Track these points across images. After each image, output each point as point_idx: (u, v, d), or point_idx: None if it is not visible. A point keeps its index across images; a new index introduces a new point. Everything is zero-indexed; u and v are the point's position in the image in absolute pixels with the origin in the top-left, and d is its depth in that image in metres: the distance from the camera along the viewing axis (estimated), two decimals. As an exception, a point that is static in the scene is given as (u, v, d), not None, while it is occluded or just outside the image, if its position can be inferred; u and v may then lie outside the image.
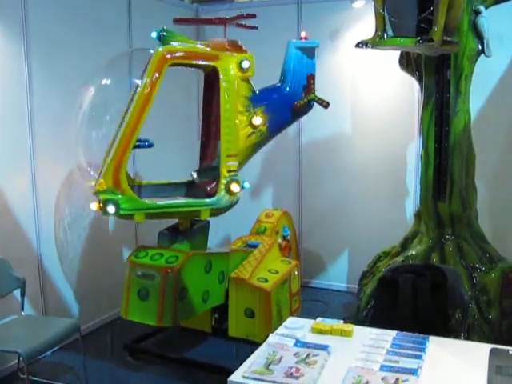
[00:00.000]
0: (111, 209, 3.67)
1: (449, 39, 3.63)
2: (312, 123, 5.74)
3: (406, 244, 4.57)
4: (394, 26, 3.84)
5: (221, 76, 3.93)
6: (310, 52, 4.41)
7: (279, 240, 5.23)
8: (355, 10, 5.38)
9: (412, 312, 3.30)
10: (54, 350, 3.89)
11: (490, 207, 4.87)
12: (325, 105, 4.35)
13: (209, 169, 4.32)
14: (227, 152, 3.95)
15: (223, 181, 3.95)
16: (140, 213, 3.78)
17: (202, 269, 4.07)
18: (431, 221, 4.32)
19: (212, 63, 3.95)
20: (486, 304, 3.92)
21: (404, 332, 2.59)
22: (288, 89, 4.30)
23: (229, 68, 3.95)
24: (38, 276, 4.34)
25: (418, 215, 4.56)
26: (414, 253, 4.33)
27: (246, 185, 4.09)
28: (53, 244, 4.48)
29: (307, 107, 4.40)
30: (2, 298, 3.84)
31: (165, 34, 3.85)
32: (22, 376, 4.05)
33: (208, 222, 4.30)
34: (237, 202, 4.05)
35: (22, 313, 3.95)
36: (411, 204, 5.49)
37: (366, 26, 5.16)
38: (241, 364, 2.55)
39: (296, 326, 2.57)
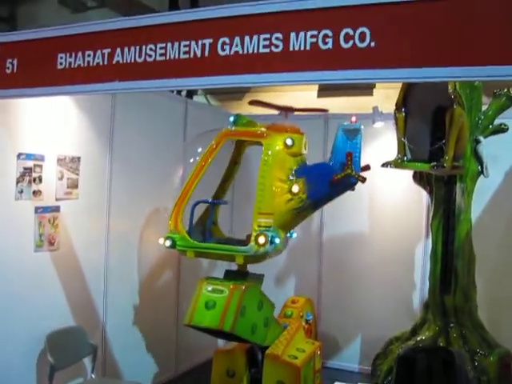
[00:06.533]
0: (167, 243, 4.49)
1: (456, 164, 4.48)
2: (333, 222, 6.53)
3: (415, 330, 5.22)
4: (411, 151, 4.74)
5: (264, 150, 4.64)
6: (352, 133, 4.84)
7: (303, 323, 5.91)
8: (375, 129, 5.98)
9: (427, 386, 4.01)
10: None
11: (486, 300, 5.40)
12: (361, 179, 4.59)
13: None
14: (258, 210, 4.54)
15: (253, 233, 4.50)
16: (190, 250, 4.52)
17: (257, 304, 4.66)
18: (438, 311, 5.00)
19: (259, 139, 4.72)
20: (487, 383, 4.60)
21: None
22: (330, 164, 4.78)
23: (274, 144, 4.64)
24: (102, 343, 4.96)
25: (425, 306, 5.24)
26: (423, 338, 4.99)
27: (294, 235, 4.82)
28: (116, 315, 5.14)
29: (347, 182, 4.67)
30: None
31: (237, 118, 4.80)
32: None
33: (262, 275, 4.89)
34: (265, 252, 4.48)
35: (92, 375, 4.59)
36: (418, 295, 6.12)
37: (384, 144, 6.05)
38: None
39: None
